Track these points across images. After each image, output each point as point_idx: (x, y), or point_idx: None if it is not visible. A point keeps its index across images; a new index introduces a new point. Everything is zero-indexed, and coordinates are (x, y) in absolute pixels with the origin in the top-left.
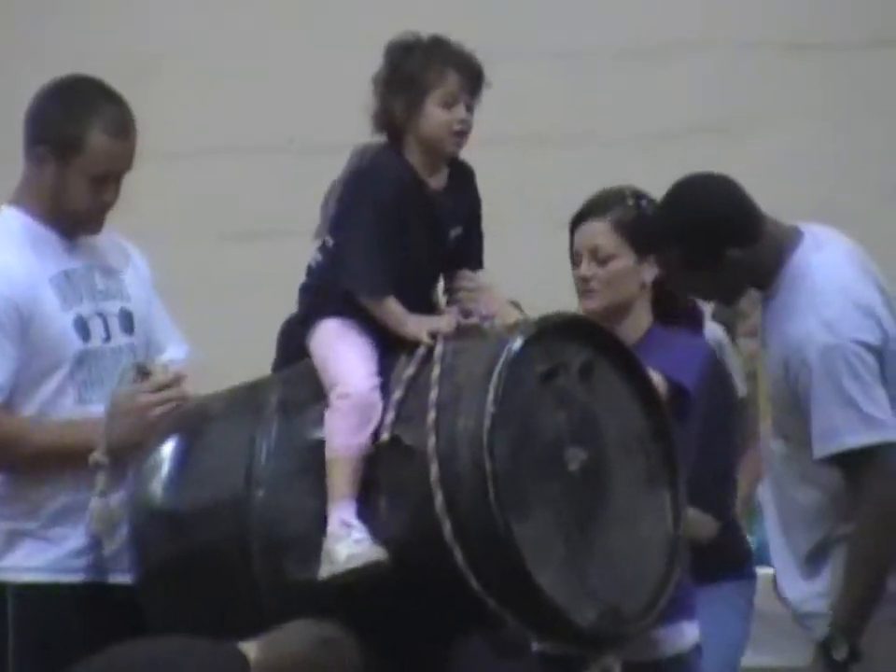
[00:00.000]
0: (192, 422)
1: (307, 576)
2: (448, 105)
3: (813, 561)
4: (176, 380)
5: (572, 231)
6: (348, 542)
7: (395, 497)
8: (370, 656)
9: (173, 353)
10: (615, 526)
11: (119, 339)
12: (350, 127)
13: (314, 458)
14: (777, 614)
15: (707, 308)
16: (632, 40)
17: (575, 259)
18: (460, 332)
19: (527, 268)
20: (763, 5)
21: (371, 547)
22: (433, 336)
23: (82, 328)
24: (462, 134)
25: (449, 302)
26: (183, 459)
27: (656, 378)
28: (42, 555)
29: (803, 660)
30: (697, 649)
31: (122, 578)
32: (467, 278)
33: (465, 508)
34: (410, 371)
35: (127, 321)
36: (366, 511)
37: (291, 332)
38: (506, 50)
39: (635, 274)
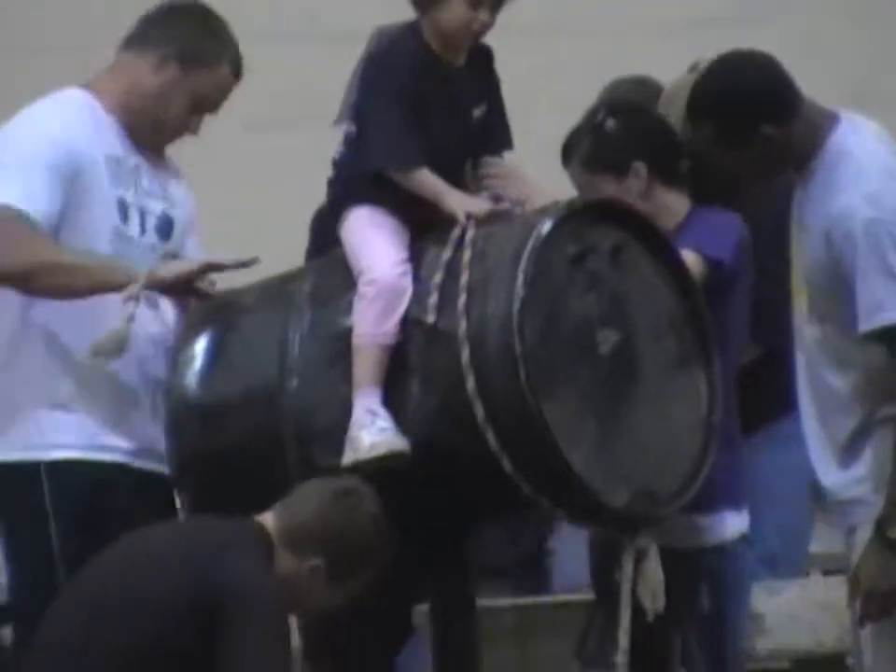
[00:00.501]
0: (225, 314)
1: (337, 463)
2: (474, 4)
3: (851, 446)
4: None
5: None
6: (372, 430)
7: (427, 381)
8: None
9: None
10: (647, 408)
11: (153, 238)
12: (375, 11)
13: (345, 346)
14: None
15: None
16: None
17: None
18: (491, 217)
19: (544, 155)
20: None
21: (395, 436)
22: (468, 217)
23: (123, 210)
24: (479, 34)
25: (479, 189)
26: (217, 351)
27: (690, 258)
28: (69, 433)
29: (838, 547)
30: (743, 539)
31: (151, 464)
32: (495, 164)
33: (496, 389)
34: (447, 254)
35: (166, 226)
36: (398, 395)
37: (322, 222)
38: None
39: (625, 193)
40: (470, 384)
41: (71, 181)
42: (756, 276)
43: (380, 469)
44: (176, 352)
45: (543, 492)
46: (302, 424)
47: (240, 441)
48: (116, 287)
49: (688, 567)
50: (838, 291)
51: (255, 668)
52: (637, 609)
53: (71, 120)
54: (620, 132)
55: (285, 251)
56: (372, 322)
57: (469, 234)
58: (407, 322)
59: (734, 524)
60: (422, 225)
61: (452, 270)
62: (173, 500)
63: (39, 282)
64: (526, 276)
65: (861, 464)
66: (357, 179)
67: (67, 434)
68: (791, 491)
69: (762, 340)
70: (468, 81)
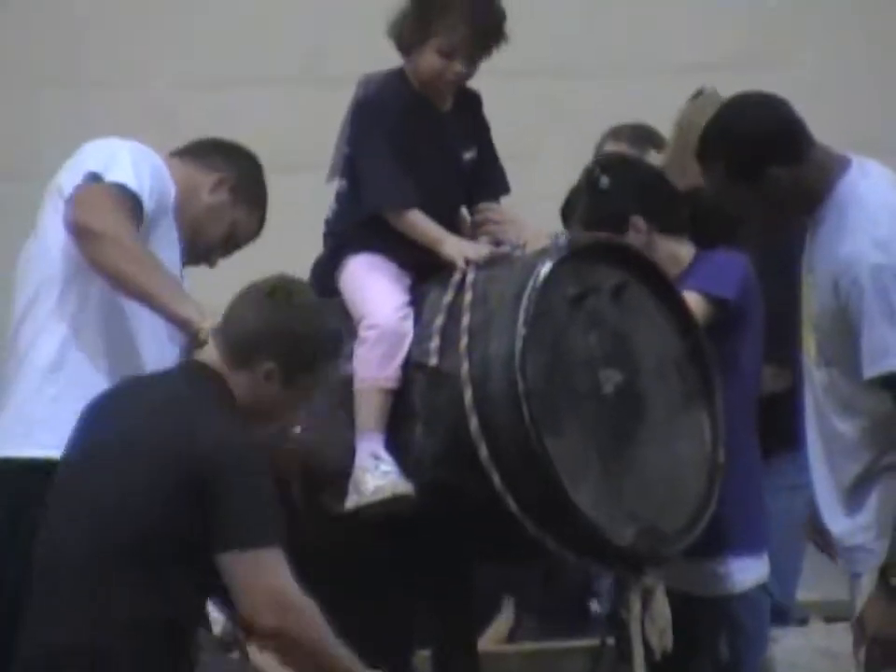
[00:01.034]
0: None
1: (342, 507)
2: (447, 55)
3: (856, 492)
4: None
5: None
6: (376, 474)
7: (430, 424)
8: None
9: None
10: (652, 447)
11: None
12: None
13: (348, 393)
14: (812, 550)
15: None
16: None
17: None
18: (492, 260)
19: (552, 199)
20: None
21: (399, 479)
22: (467, 262)
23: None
24: (455, 83)
25: (478, 234)
26: None
27: (693, 299)
28: None
29: (839, 594)
30: (763, 587)
31: None
32: (493, 209)
33: (499, 429)
34: (448, 297)
35: None
36: (402, 438)
37: (320, 273)
38: None
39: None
40: (474, 424)
41: (151, 223)
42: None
43: (384, 512)
44: None
45: (548, 531)
46: (308, 469)
47: None
48: (177, 319)
49: (709, 615)
50: (845, 337)
51: (246, 533)
52: (646, 648)
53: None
54: (615, 188)
55: None
56: (375, 366)
57: (470, 277)
58: (409, 365)
59: (755, 570)
60: (421, 267)
61: (453, 312)
62: None
63: (108, 252)
64: (528, 316)
65: (866, 511)
66: (354, 228)
67: None
68: (781, 533)
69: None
70: (456, 125)
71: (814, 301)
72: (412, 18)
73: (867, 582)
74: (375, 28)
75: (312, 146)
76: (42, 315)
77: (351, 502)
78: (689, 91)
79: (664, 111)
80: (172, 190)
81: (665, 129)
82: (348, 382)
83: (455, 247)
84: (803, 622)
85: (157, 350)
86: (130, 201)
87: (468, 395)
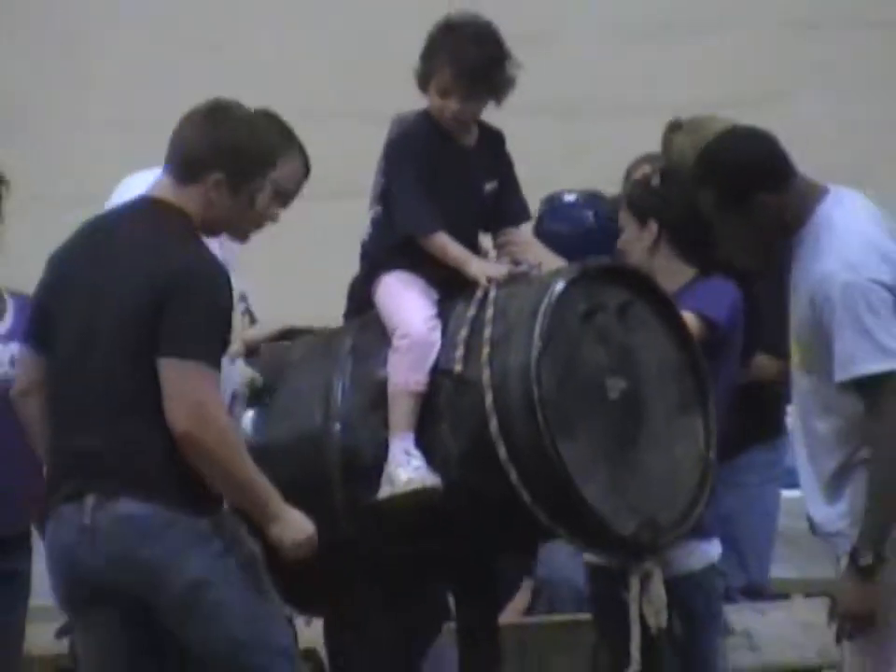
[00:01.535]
0: (275, 368)
1: (376, 497)
2: (443, 94)
3: (835, 484)
4: None
5: None
6: (408, 468)
7: (455, 424)
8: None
9: None
10: (652, 448)
11: None
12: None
13: (382, 394)
14: (801, 534)
15: None
16: (665, 18)
17: None
18: (511, 279)
19: None
20: None
21: (428, 473)
22: (489, 280)
23: None
24: (458, 122)
25: (500, 255)
26: (269, 400)
27: (690, 318)
28: None
29: (822, 572)
30: (713, 567)
31: None
32: (513, 233)
33: (517, 431)
34: (471, 311)
35: None
36: (430, 437)
37: (357, 290)
38: (551, 29)
39: (638, 241)
40: (493, 426)
41: None
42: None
43: (414, 503)
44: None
45: (560, 522)
46: (346, 463)
47: (291, 478)
48: None
49: None
50: (821, 346)
51: (186, 344)
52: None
53: None
54: (656, 190)
55: (324, 308)
56: (406, 372)
57: (492, 294)
58: (437, 372)
59: (702, 553)
60: (447, 284)
61: (476, 325)
62: None
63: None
64: (543, 330)
65: (844, 501)
66: (388, 249)
67: None
68: (754, 521)
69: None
70: (478, 159)
71: (796, 314)
72: (422, 64)
73: (844, 564)
74: (410, 69)
75: (354, 175)
76: None
77: (384, 493)
78: None
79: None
80: None
81: None
82: (381, 384)
83: (478, 267)
84: (786, 597)
85: None
86: None
87: (488, 400)
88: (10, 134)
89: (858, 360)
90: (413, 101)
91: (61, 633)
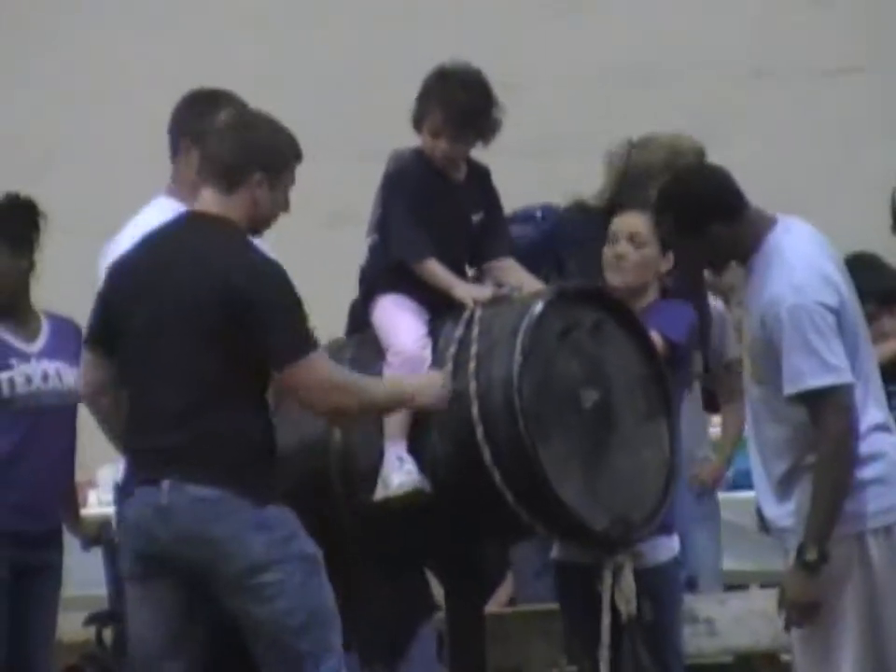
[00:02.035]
0: None
1: (372, 497)
2: (434, 135)
3: (784, 485)
4: None
5: (611, 214)
6: (401, 472)
7: (444, 431)
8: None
9: None
10: (622, 452)
11: None
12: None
13: None
14: (755, 530)
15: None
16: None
17: (611, 238)
18: (495, 300)
19: None
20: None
21: (418, 478)
22: (475, 302)
23: None
24: (448, 160)
25: (484, 279)
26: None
27: (653, 335)
28: None
29: (773, 565)
30: (675, 560)
31: None
32: (496, 260)
33: (500, 437)
34: (459, 331)
35: None
36: (421, 442)
37: (356, 310)
38: (526, 76)
39: (655, 263)
40: (479, 433)
41: None
42: None
43: (406, 504)
44: None
45: (539, 519)
46: (345, 467)
47: (298, 479)
48: None
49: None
50: (771, 361)
51: (294, 348)
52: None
53: None
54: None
55: (327, 327)
56: None
57: (477, 314)
58: None
59: (666, 547)
60: (437, 306)
61: (463, 343)
62: None
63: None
64: (523, 347)
65: (792, 500)
66: (383, 273)
67: None
68: (702, 516)
69: None
70: (467, 193)
71: (748, 332)
72: (416, 107)
73: (791, 558)
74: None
75: (355, 207)
76: None
77: (379, 494)
78: None
79: None
80: None
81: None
82: None
83: (464, 290)
84: (743, 588)
85: None
86: None
87: (474, 409)
88: (42, 171)
89: (805, 376)
90: (407, 140)
91: (89, 621)
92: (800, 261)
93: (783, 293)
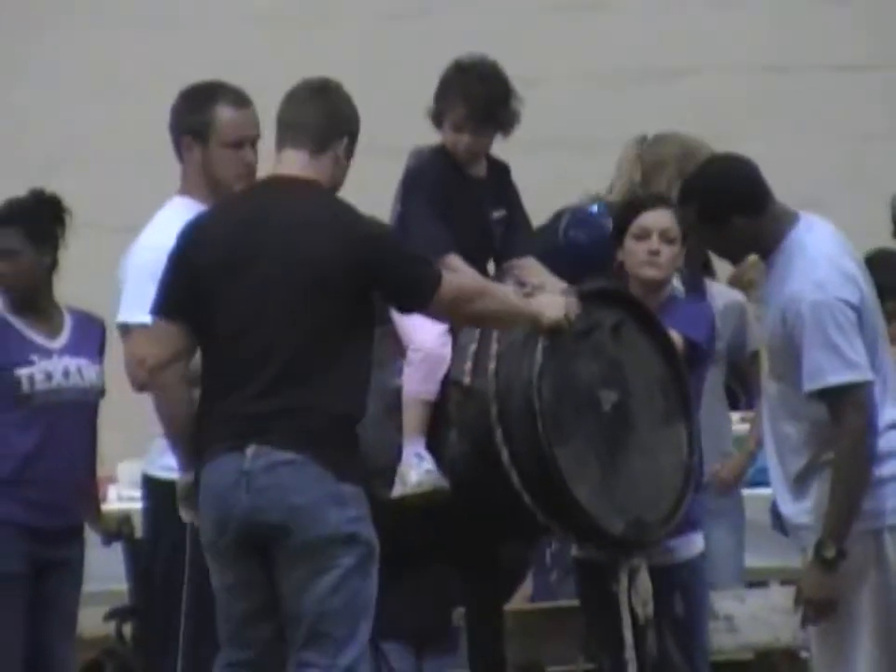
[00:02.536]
0: None
1: (389, 494)
2: (456, 129)
3: (801, 482)
4: None
5: (639, 211)
6: (419, 470)
7: (463, 431)
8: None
9: None
10: (640, 454)
11: None
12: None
13: (396, 402)
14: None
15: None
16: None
17: (641, 234)
18: None
19: None
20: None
21: (437, 476)
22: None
23: None
24: (470, 153)
25: (505, 277)
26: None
27: (674, 336)
28: None
29: (793, 562)
30: (702, 555)
31: None
32: (517, 259)
33: (519, 439)
34: (479, 330)
35: None
36: (440, 441)
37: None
38: (541, 72)
39: (679, 258)
40: (498, 434)
41: None
42: None
43: (424, 502)
44: None
45: (555, 520)
46: (365, 464)
47: None
48: None
49: (664, 581)
50: (791, 358)
51: (428, 283)
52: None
53: None
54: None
55: None
56: (418, 383)
57: None
58: (447, 382)
59: (696, 543)
60: None
61: (484, 341)
62: None
63: None
64: (543, 348)
65: (809, 497)
66: None
67: None
68: (720, 512)
69: None
70: (487, 189)
71: (767, 328)
72: (435, 103)
73: (808, 555)
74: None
75: (374, 204)
76: None
77: (397, 491)
78: None
79: None
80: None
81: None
82: (396, 392)
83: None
84: (763, 584)
85: None
86: None
87: (493, 409)
88: (64, 167)
89: (825, 373)
90: (421, 135)
91: (109, 616)
92: (822, 258)
93: (805, 289)
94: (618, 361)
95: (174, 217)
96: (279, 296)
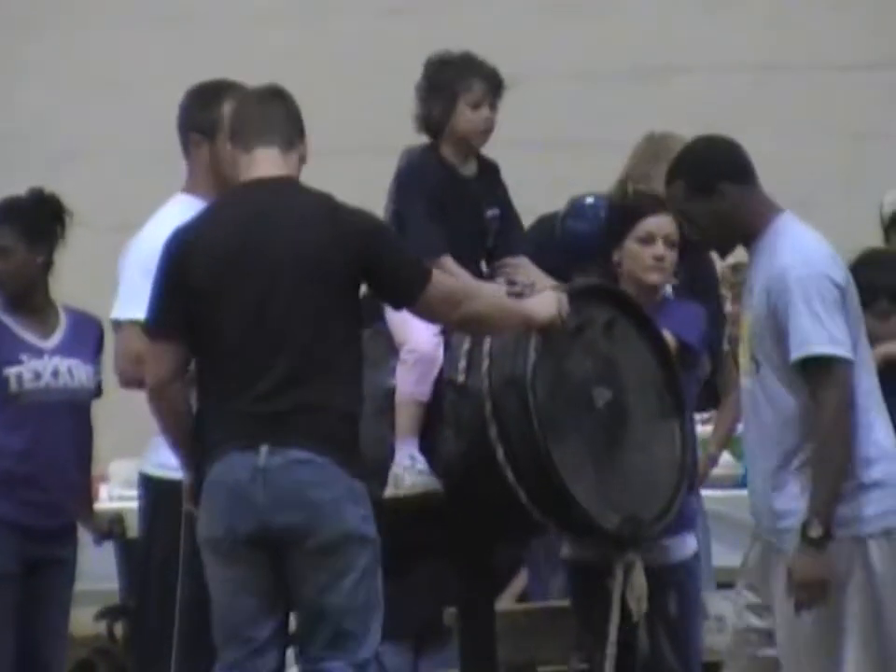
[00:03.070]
0: None
1: (382, 493)
2: (476, 106)
3: (781, 472)
4: None
5: (642, 216)
6: (412, 472)
7: (458, 429)
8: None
9: None
10: (634, 451)
11: None
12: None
13: (389, 402)
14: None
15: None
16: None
17: (646, 239)
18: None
19: None
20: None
21: (430, 478)
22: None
23: None
24: (487, 131)
25: (496, 276)
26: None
27: (667, 336)
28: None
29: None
30: (696, 555)
31: None
32: (508, 258)
33: (513, 436)
34: None
35: None
36: (434, 439)
37: (371, 306)
38: (531, 70)
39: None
40: (493, 431)
41: None
42: None
43: (418, 504)
44: None
45: (551, 517)
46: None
47: None
48: None
49: (658, 581)
50: (774, 337)
51: (420, 274)
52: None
53: None
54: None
55: None
56: (412, 384)
57: None
58: (442, 381)
59: (691, 543)
60: None
61: (477, 339)
62: None
63: None
64: (536, 345)
65: (789, 483)
66: None
67: None
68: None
69: None
70: (479, 188)
71: (750, 312)
72: (436, 97)
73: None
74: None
75: (368, 203)
76: None
77: (389, 492)
78: None
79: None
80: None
81: None
82: (390, 393)
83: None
84: None
85: None
86: None
87: (488, 407)
88: (60, 167)
89: (810, 342)
90: (423, 136)
91: (101, 616)
92: (809, 238)
93: (792, 264)
94: (611, 358)
95: (176, 213)
96: (284, 295)
